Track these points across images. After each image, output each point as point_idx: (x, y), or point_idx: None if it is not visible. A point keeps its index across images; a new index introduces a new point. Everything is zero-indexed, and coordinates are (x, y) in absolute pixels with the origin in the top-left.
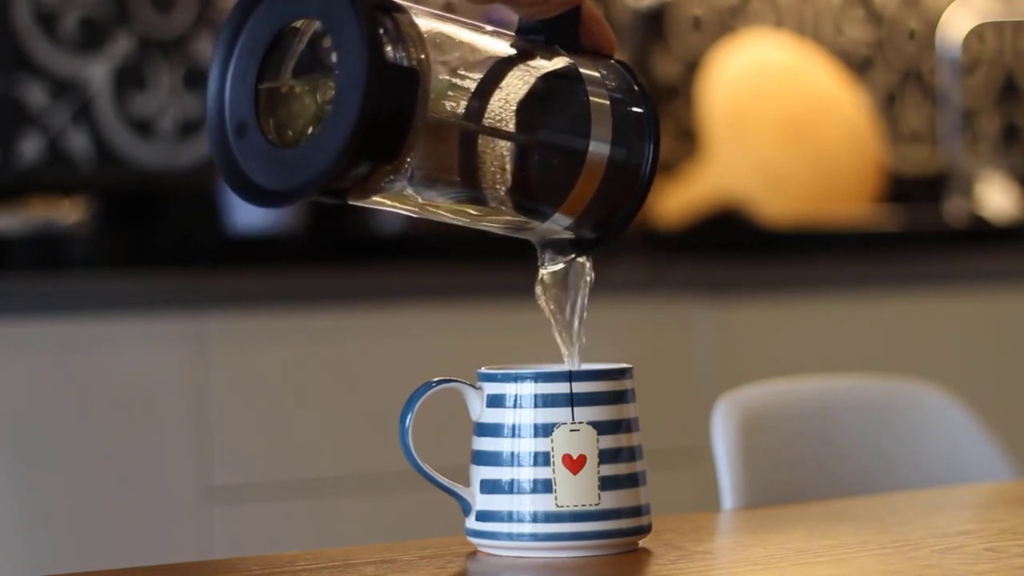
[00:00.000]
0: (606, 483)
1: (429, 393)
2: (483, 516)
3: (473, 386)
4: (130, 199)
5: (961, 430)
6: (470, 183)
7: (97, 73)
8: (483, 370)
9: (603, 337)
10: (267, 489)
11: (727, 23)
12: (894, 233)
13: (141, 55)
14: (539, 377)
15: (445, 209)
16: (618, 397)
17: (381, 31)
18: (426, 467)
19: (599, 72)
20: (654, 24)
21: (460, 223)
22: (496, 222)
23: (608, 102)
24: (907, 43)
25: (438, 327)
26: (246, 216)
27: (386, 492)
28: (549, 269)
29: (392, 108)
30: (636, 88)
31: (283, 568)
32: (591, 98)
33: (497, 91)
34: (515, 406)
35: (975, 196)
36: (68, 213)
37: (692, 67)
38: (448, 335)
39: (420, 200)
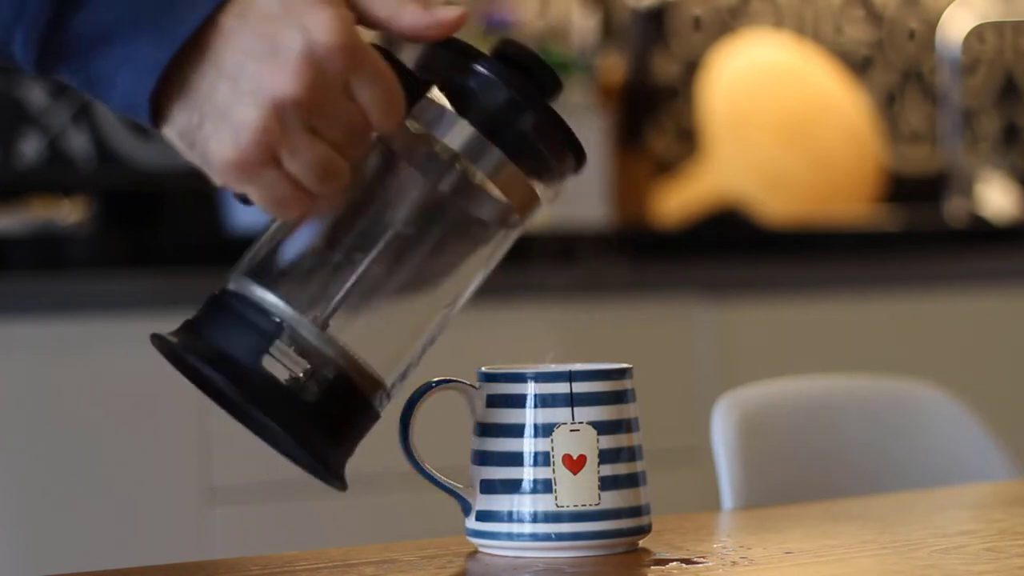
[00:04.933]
0: (606, 483)
1: (429, 393)
2: (483, 516)
3: (473, 386)
4: (130, 199)
5: (961, 430)
6: None
7: None
8: (483, 370)
9: (603, 337)
10: (267, 489)
11: (727, 23)
12: (894, 233)
13: None
14: (539, 377)
15: None
16: (618, 397)
17: None
18: (426, 467)
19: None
20: (654, 24)
21: None
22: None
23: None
24: (907, 43)
25: None
26: (246, 216)
27: (386, 492)
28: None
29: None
30: (489, 73)
31: (283, 568)
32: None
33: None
34: (515, 406)
35: (975, 196)
36: (68, 213)
37: (692, 67)
38: (448, 335)
39: None
